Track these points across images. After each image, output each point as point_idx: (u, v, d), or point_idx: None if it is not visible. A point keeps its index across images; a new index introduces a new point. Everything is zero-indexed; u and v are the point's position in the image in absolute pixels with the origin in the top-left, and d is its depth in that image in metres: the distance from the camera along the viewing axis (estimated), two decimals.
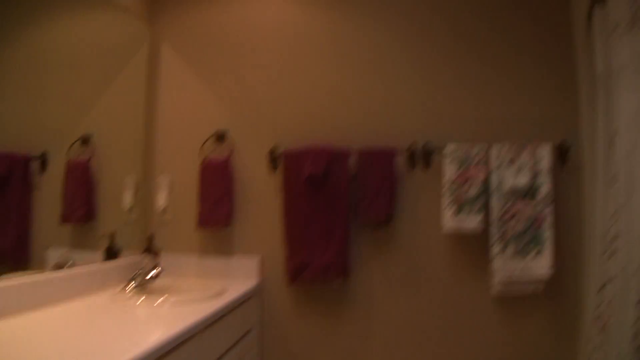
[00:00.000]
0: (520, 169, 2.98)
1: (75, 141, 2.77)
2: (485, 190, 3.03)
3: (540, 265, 2.95)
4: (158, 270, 2.90)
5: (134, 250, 3.19)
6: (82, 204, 2.83)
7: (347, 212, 3.09)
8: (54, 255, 2.56)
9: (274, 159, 3.23)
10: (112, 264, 2.95)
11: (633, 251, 2.42)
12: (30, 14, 2.46)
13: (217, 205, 3.20)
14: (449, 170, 3.04)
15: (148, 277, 2.86)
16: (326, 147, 3.13)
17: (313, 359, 3.21)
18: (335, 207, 3.09)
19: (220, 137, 3.31)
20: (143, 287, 2.83)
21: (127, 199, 3.22)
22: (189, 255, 3.30)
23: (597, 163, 2.87)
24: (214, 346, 2.45)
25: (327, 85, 3.28)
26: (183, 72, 3.40)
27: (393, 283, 3.17)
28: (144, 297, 2.61)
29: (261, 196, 3.28)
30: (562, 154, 3.10)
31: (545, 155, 3.00)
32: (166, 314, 2.31)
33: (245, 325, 2.99)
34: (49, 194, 2.55)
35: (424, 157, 3.15)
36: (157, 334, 1.92)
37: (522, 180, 2.96)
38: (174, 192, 3.35)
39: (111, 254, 3.01)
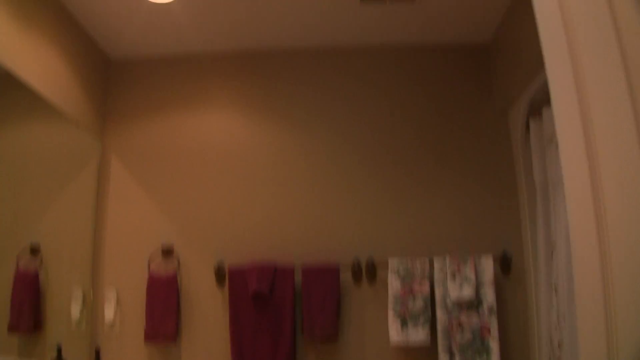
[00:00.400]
0: (464, 281, 3.03)
1: (23, 250, 2.75)
2: (431, 303, 3.07)
3: None
4: None
5: None
6: (29, 313, 2.78)
7: (292, 327, 3.09)
8: None
9: (220, 274, 3.24)
10: None
11: (577, 359, 2.48)
12: None
13: (164, 320, 3.18)
14: (394, 285, 3.08)
15: None
16: (271, 264, 3.16)
17: None
18: (281, 323, 3.09)
19: (166, 251, 3.31)
20: None
21: (75, 311, 3.18)
22: None
23: (539, 272, 2.96)
24: None
25: (270, 202, 3.35)
26: (131, 186, 3.43)
27: None
28: None
29: (208, 310, 3.27)
30: (504, 265, 3.18)
31: (487, 267, 3.07)
32: None
33: None
34: None
35: (368, 271, 3.20)
36: None
37: (466, 292, 3.01)
38: (122, 304, 3.32)
39: None
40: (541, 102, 2.94)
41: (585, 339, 1.07)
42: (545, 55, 1.23)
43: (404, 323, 3.04)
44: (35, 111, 2.90)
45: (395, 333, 3.03)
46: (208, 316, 3.26)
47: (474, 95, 3.44)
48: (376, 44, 3.55)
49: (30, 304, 2.80)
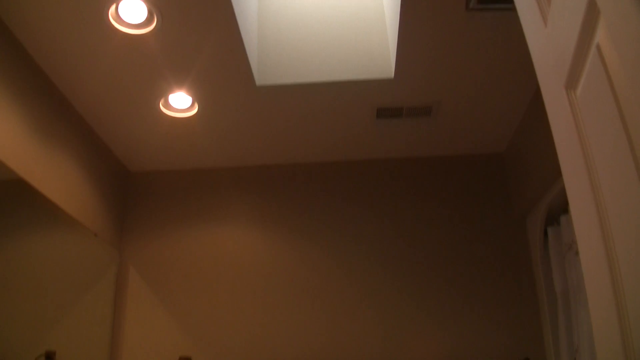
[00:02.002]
0: None
1: (39, 357, 2.71)
2: None
3: None
4: None
5: None
6: None
7: None
8: None
9: None
10: None
11: None
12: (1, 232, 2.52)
13: None
14: None
15: None
16: None
17: None
18: None
19: None
20: None
21: None
22: None
23: None
24: None
25: (287, 317, 3.34)
26: (149, 296, 3.43)
27: None
28: None
29: None
30: None
31: None
32: None
33: None
34: None
35: None
36: None
37: None
38: None
39: None
40: (558, 209, 2.97)
41: None
42: (561, 164, 1.26)
43: None
44: (54, 221, 2.94)
45: None
46: None
47: (491, 204, 3.48)
48: (392, 156, 3.64)
49: None
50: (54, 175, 2.85)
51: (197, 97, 3.01)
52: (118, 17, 2.44)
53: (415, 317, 3.27)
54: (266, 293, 3.38)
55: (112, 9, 2.39)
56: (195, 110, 3.10)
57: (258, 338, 3.30)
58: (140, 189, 3.71)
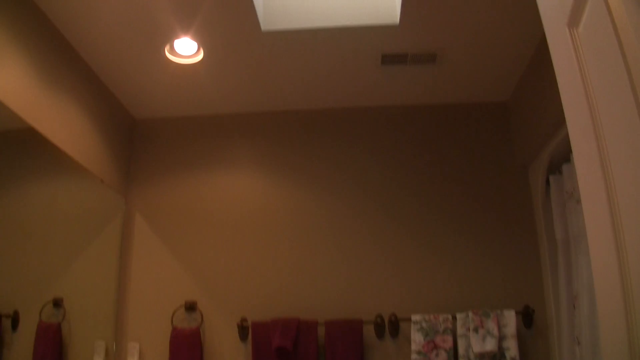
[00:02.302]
0: (487, 334, 3.03)
1: (47, 303, 2.78)
2: (454, 357, 3.06)
3: None
4: None
5: None
6: None
7: None
8: None
9: (243, 329, 3.26)
10: None
11: None
12: (7, 180, 2.55)
13: None
14: (417, 340, 3.08)
15: None
16: (294, 319, 3.17)
17: None
18: None
19: (190, 307, 3.34)
20: None
21: None
22: None
23: (562, 325, 2.96)
24: None
25: (292, 259, 3.40)
26: (155, 242, 3.49)
27: None
28: None
29: None
30: (526, 319, 3.18)
31: (510, 321, 3.07)
32: None
33: None
34: (19, 353, 2.53)
35: (391, 327, 3.21)
36: None
37: (489, 345, 3.00)
38: (145, 359, 3.34)
39: None
40: (561, 158, 3.00)
41: None
42: (564, 103, 1.27)
43: None
44: (61, 169, 2.98)
45: None
46: None
47: (494, 153, 3.51)
48: (397, 103, 3.65)
49: (52, 357, 2.82)
50: (60, 121, 2.87)
51: (203, 43, 3.01)
52: None
53: (415, 264, 3.33)
54: (271, 238, 3.43)
55: None
56: (200, 57, 3.10)
57: (263, 282, 3.36)
58: (145, 136, 3.73)
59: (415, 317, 3.12)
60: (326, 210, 3.45)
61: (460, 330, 3.08)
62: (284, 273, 3.37)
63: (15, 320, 2.51)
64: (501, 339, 3.05)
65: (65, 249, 3.00)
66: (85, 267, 3.14)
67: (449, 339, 3.08)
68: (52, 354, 2.81)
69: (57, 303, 2.87)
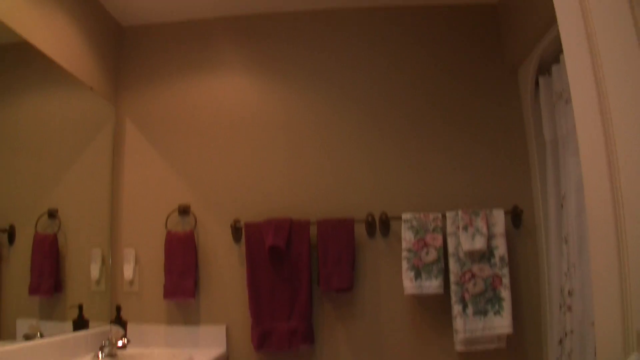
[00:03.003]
0: (476, 233, 3.09)
1: (42, 215, 2.82)
2: (443, 255, 3.14)
3: (501, 323, 3.05)
4: (126, 340, 2.94)
5: (102, 321, 3.21)
6: (49, 276, 2.85)
7: (309, 280, 3.17)
8: (23, 326, 2.58)
9: (236, 230, 3.32)
10: (81, 334, 2.96)
11: (587, 306, 2.55)
12: None
13: (182, 278, 3.25)
14: (407, 238, 3.15)
15: (117, 346, 2.89)
16: (286, 219, 3.22)
17: None
18: (298, 276, 3.17)
19: (183, 211, 3.38)
20: (112, 356, 2.85)
21: (94, 271, 3.26)
22: (156, 326, 3.33)
23: (550, 225, 3.03)
24: None
25: (284, 161, 3.42)
26: (147, 149, 3.49)
27: (358, 345, 3.24)
28: None
29: (225, 267, 3.35)
30: (515, 218, 3.25)
31: (499, 219, 3.14)
32: None
33: None
34: (16, 266, 2.59)
35: (382, 226, 3.27)
36: None
37: (478, 243, 3.07)
38: (140, 264, 3.40)
39: (80, 324, 3.02)
40: (550, 59, 3.00)
41: (599, 282, 1.12)
42: (557, 9, 1.26)
43: (417, 274, 3.10)
44: (50, 79, 2.96)
45: (409, 283, 3.10)
46: (225, 272, 3.34)
47: (483, 54, 3.49)
48: (386, 4, 3.59)
49: (50, 267, 2.87)
50: (48, 30, 2.84)
51: None
52: None
53: (406, 164, 3.37)
54: (263, 140, 3.45)
55: None
56: None
57: (255, 184, 3.40)
58: (133, 43, 3.68)
59: (405, 216, 3.17)
60: (316, 112, 3.46)
61: (449, 229, 3.14)
62: (276, 174, 3.40)
63: (11, 234, 2.55)
64: (490, 237, 3.12)
65: (57, 159, 3.00)
66: (78, 176, 3.15)
67: (439, 237, 3.14)
68: (50, 264, 2.86)
69: (52, 214, 2.90)
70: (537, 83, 3.17)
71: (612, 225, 1.00)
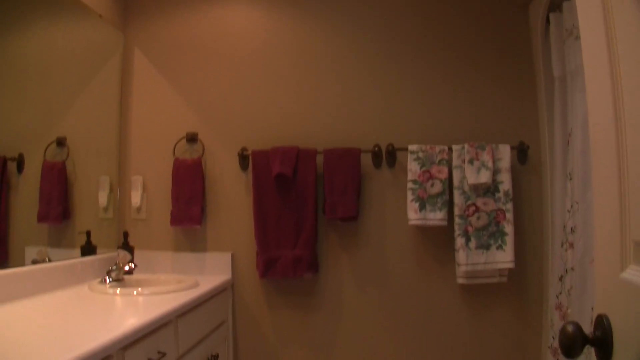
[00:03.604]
0: (481, 166, 3.11)
1: (51, 143, 2.84)
2: (448, 187, 3.16)
3: (503, 258, 3.10)
4: (133, 265, 2.98)
5: (109, 248, 3.26)
6: (58, 203, 2.89)
7: (315, 209, 3.20)
8: (31, 253, 2.62)
9: (243, 158, 3.34)
10: (89, 259, 3.02)
11: (588, 243, 2.57)
12: (4, 20, 2.54)
13: (189, 205, 3.29)
14: (413, 169, 3.17)
15: (124, 271, 2.94)
16: (294, 147, 3.24)
17: (284, 349, 3.32)
18: (304, 205, 3.20)
19: (191, 139, 3.40)
20: (119, 280, 2.90)
21: (102, 198, 3.30)
22: (162, 252, 3.39)
23: (555, 162, 3.04)
24: (188, 334, 2.52)
25: (292, 91, 3.41)
26: (155, 77, 3.49)
27: (362, 275, 3.30)
28: (120, 289, 2.66)
29: (232, 195, 3.38)
30: (521, 155, 3.26)
31: (504, 154, 3.15)
32: (141, 303, 2.39)
33: (219, 317, 3.09)
34: (25, 194, 2.63)
35: (388, 157, 3.29)
36: (132, 321, 1.97)
37: (483, 177, 3.09)
38: (148, 191, 3.44)
39: (88, 250, 3.07)
40: None
41: (600, 197, 1.14)
42: None
43: (422, 206, 3.13)
44: (59, 6, 2.95)
45: (413, 214, 3.13)
46: (232, 200, 3.37)
47: None
48: None
49: (59, 195, 2.90)
50: None
51: None
52: None
53: (414, 96, 3.36)
54: (271, 69, 3.43)
55: None
56: None
57: (263, 112, 3.40)
58: None
59: (412, 147, 3.19)
60: (326, 43, 3.43)
61: (455, 162, 3.16)
62: (284, 103, 3.40)
63: (20, 163, 2.57)
64: (495, 172, 3.13)
65: (66, 87, 3.01)
66: (87, 104, 3.16)
67: (445, 169, 3.16)
68: (58, 192, 2.90)
69: (61, 142, 2.92)
70: (547, 19, 3.15)
71: (614, 149, 1.02)
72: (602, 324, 1.06)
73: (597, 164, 1.15)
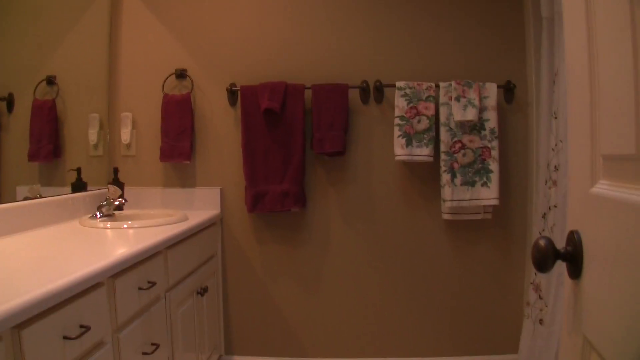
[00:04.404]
0: (467, 104, 3.13)
1: (40, 82, 2.82)
2: (435, 124, 3.19)
3: (488, 195, 3.15)
4: (123, 200, 3.01)
5: (100, 185, 3.29)
6: (48, 142, 2.90)
7: (303, 143, 3.23)
8: (23, 192, 2.64)
9: (232, 93, 3.34)
10: (79, 195, 3.04)
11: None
12: None
13: (178, 140, 3.30)
14: (400, 105, 3.19)
15: (114, 206, 2.97)
16: (282, 82, 3.24)
17: (272, 283, 3.39)
18: (292, 140, 3.22)
19: (180, 75, 3.39)
20: (110, 215, 2.93)
21: (92, 135, 3.30)
22: (152, 188, 3.42)
23: (541, 100, 3.06)
24: (177, 266, 2.57)
25: (281, 27, 3.38)
26: (143, 12, 3.44)
27: (348, 210, 3.36)
28: (110, 223, 2.69)
29: (221, 130, 3.39)
30: (507, 93, 3.29)
31: (491, 92, 3.18)
32: (131, 236, 2.41)
33: (208, 251, 3.15)
34: (16, 134, 2.62)
35: (376, 92, 3.30)
36: (121, 250, 1.99)
37: (470, 114, 3.12)
38: (137, 128, 3.44)
39: (78, 187, 3.09)
40: None
41: (573, 117, 1.16)
42: None
43: (408, 141, 3.16)
44: None
45: (400, 149, 3.16)
46: (221, 136, 3.39)
47: None
48: None
49: (49, 133, 2.91)
50: None
51: None
52: None
53: (402, 31, 3.34)
54: (260, 5, 3.39)
55: None
56: None
57: (252, 49, 3.38)
58: None
59: (399, 84, 3.20)
60: None
61: (442, 99, 3.18)
62: (273, 39, 3.38)
63: (10, 102, 2.56)
64: (482, 110, 3.16)
65: (54, 25, 2.97)
66: (76, 42, 3.13)
67: (432, 106, 3.18)
68: (48, 130, 2.90)
69: (51, 80, 2.90)
70: None
71: (587, 66, 1.04)
72: (573, 239, 1.09)
73: (571, 80, 1.17)
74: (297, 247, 3.38)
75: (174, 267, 2.52)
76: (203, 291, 2.93)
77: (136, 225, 2.65)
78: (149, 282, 2.18)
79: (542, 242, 1.09)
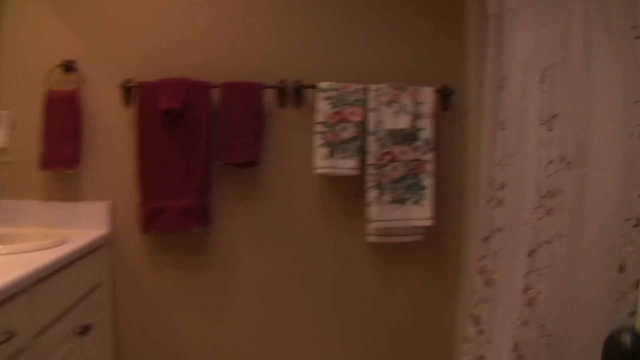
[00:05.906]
0: (400, 111, 2.84)
1: None
2: (362, 132, 2.87)
3: (420, 214, 2.90)
4: None
5: None
6: None
7: (208, 151, 2.85)
8: None
9: (128, 90, 2.90)
10: None
11: (525, 200, 2.35)
12: None
13: (62, 144, 2.87)
14: (323, 109, 2.84)
15: None
16: (186, 79, 2.85)
17: (171, 313, 3.04)
18: (195, 146, 2.83)
19: (68, 68, 2.94)
20: None
21: None
22: (30, 202, 2.97)
23: (484, 108, 2.77)
24: (49, 305, 2.20)
25: (187, 14, 3.00)
26: None
27: (260, 229, 3.05)
28: None
29: (114, 134, 2.96)
30: (445, 100, 3.02)
31: (428, 98, 2.90)
32: None
33: (93, 279, 2.76)
34: None
35: (295, 94, 2.94)
36: None
37: (402, 123, 2.83)
38: (16, 130, 2.98)
39: None
40: None
41: None
42: None
43: (331, 151, 2.83)
44: None
45: (321, 160, 2.83)
46: (113, 140, 2.96)
47: None
48: None
49: None
50: None
51: None
52: None
53: (327, 26, 3.03)
54: None
55: None
56: None
57: (153, 43, 2.99)
58: None
59: (322, 85, 2.85)
60: None
61: (372, 104, 2.86)
62: (175, 30, 2.99)
63: None
64: (416, 117, 2.88)
65: None
66: None
67: (359, 111, 2.86)
68: None
69: None
70: None
71: None
72: None
73: None
74: (200, 272, 3.03)
75: (44, 307, 2.14)
76: (85, 330, 2.51)
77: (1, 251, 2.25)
78: (5, 333, 1.77)
79: (625, 339, 0.71)
